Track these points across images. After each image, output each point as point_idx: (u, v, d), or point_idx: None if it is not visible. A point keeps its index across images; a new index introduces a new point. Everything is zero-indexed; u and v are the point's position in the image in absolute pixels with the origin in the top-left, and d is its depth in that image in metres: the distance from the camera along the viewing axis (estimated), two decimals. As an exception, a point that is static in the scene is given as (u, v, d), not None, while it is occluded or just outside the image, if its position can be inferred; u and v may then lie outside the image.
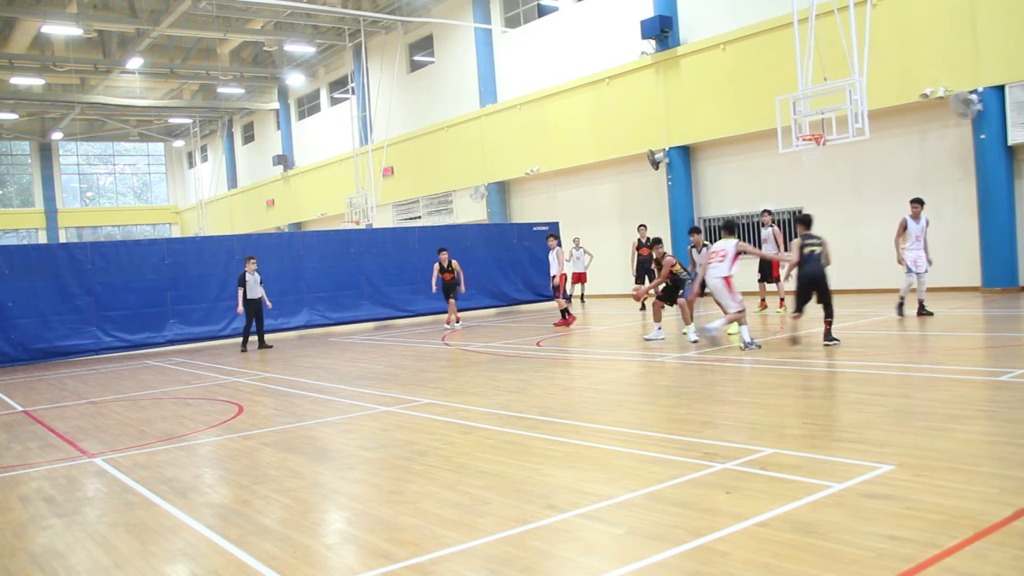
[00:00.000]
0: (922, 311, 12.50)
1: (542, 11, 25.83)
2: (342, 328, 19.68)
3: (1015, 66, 15.21)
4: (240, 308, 15.49)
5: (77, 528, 4.79)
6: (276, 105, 41.02)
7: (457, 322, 17.63)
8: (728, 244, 10.85)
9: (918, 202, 12.61)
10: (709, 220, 21.75)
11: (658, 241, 12.87)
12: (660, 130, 21.66)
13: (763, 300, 15.71)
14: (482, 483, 5.10)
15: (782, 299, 15.12)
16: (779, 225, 19.97)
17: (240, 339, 16.22)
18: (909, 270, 12.49)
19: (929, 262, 12.61)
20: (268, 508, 4.94)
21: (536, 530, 4.16)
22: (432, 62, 30.60)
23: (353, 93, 33.06)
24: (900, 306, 12.76)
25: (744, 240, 12.37)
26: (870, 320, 12.87)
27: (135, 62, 30.76)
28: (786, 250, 14.23)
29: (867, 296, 17.06)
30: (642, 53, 21.91)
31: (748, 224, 20.49)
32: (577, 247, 22.22)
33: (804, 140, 15.12)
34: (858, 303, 15.72)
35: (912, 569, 3.34)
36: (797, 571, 3.40)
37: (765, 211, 15.66)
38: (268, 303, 15.93)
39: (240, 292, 15.44)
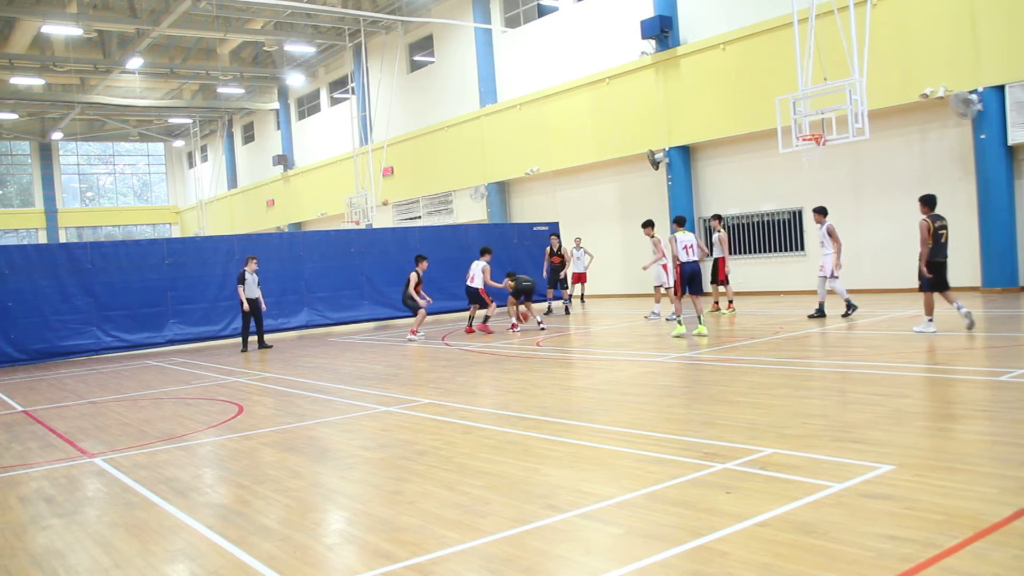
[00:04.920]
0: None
1: (542, 11, 25.82)
2: (342, 328, 19.68)
3: (1015, 66, 15.20)
4: (246, 306, 15.51)
5: (77, 528, 4.79)
6: (276, 105, 41.01)
7: (413, 335, 15.47)
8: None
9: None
10: (709, 220, 21.73)
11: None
12: (660, 130, 21.65)
13: (716, 302, 16.23)
14: (482, 483, 5.10)
15: (731, 301, 15.78)
16: (778, 224, 20.09)
17: (240, 339, 16.24)
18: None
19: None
20: (268, 508, 4.93)
21: (536, 530, 4.16)
22: (432, 62, 30.59)
23: (353, 93, 33.05)
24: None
25: (698, 243, 13.12)
26: (870, 320, 12.87)
27: (135, 62, 30.75)
28: (730, 253, 15.83)
29: (867, 296, 17.03)
30: (642, 53, 21.91)
31: (736, 226, 20.57)
32: (578, 247, 22.21)
33: (804, 140, 15.12)
34: (858, 303, 15.70)
35: (912, 569, 3.34)
36: (797, 571, 3.40)
37: (715, 216, 16.24)
38: (263, 305, 15.93)
39: (240, 290, 15.47)
